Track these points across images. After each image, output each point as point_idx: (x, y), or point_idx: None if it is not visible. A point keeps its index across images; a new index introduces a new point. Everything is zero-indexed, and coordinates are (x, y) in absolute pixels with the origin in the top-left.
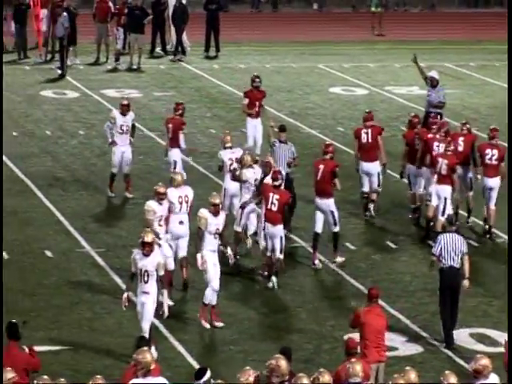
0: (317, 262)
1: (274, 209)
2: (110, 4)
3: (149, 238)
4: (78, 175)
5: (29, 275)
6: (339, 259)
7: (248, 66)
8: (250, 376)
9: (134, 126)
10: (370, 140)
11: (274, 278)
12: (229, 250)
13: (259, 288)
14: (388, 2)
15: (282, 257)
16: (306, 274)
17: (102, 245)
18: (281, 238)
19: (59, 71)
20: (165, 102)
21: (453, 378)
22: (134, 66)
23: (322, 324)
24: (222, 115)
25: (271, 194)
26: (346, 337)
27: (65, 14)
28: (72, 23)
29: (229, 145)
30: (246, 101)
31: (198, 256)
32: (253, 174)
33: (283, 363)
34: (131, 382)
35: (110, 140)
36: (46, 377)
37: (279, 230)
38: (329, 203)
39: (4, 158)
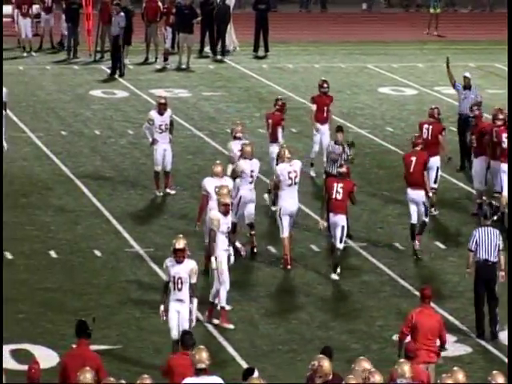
0: (417, 244)
1: (339, 197)
2: (160, 3)
3: (181, 244)
4: (126, 175)
5: (78, 275)
6: (417, 245)
7: (297, 65)
8: None
9: (172, 124)
10: (429, 137)
11: (337, 271)
12: (238, 244)
13: (307, 288)
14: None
15: (341, 246)
16: (354, 274)
17: (150, 244)
18: (342, 227)
19: (109, 71)
20: (213, 101)
21: (500, 378)
22: (183, 66)
23: (371, 324)
24: None
25: (335, 184)
26: (394, 337)
27: (122, 13)
28: (128, 22)
29: (239, 135)
30: (314, 107)
31: (213, 259)
32: (249, 165)
33: (326, 363)
34: (185, 380)
35: (151, 139)
36: (111, 379)
37: (341, 219)
38: (422, 194)
39: (53, 157)
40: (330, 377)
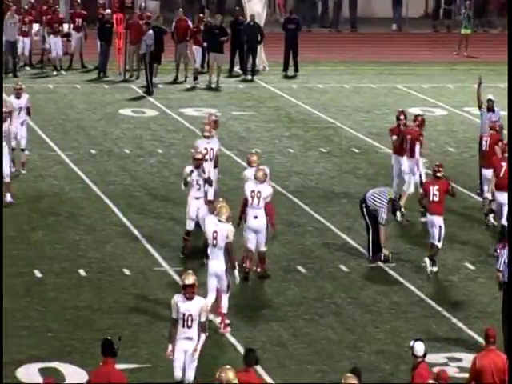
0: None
1: (436, 199)
2: (190, 23)
3: (190, 280)
4: (156, 193)
5: (107, 293)
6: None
7: (326, 85)
8: None
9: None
10: (487, 148)
11: (427, 260)
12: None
13: (336, 307)
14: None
15: (439, 245)
16: (384, 295)
17: (179, 263)
18: (440, 227)
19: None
20: (243, 121)
21: None
22: (213, 85)
23: (400, 345)
24: (300, 135)
25: (431, 187)
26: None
27: (150, 31)
28: (159, 41)
29: (254, 165)
30: (394, 137)
31: (236, 273)
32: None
33: (351, 380)
34: None
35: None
36: None
37: (438, 219)
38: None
39: (82, 175)
40: None
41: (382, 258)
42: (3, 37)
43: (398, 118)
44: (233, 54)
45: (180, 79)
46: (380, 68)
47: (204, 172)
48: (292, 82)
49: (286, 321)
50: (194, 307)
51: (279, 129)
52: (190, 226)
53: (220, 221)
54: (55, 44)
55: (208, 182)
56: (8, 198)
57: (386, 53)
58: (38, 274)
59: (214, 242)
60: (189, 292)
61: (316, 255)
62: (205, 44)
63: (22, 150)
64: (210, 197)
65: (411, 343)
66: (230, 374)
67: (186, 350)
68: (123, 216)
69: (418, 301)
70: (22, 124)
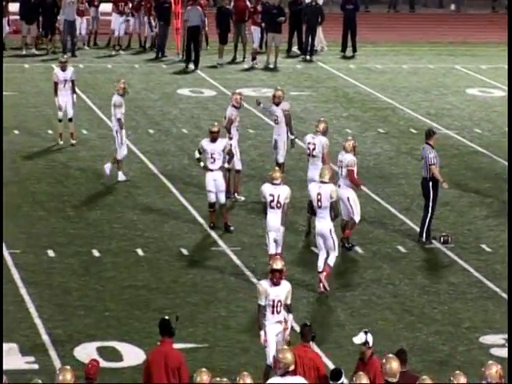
0: None
1: None
2: (248, 3)
3: (278, 265)
4: None
5: (164, 273)
6: None
7: (385, 66)
8: None
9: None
10: None
11: None
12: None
13: (393, 288)
14: None
15: None
16: (441, 276)
17: (237, 243)
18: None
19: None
20: (301, 101)
21: (463, 378)
22: (271, 66)
23: (458, 326)
24: (359, 115)
25: None
26: (481, 339)
27: (197, 7)
28: (225, 21)
29: (277, 182)
30: None
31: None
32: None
33: (394, 364)
34: (270, 380)
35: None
36: (225, 379)
37: None
38: None
39: (140, 155)
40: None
41: (442, 240)
42: (62, 16)
43: None
44: (291, 34)
45: (238, 59)
46: (438, 48)
47: (230, 144)
48: (350, 62)
49: (344, 301)
50: (282, 292)
51: (337, 109)
52: (211, 198)
53: (323, 182)
54: (119, 23)
55: (229, 154)
56: (120, 176)
57: (444, 33)
58: (95, 253)
59: (319, 203)
60: (276, 277)
61: (373, 236)
62: (263, 24)
63: (70, 119)
64: (238, 167)
65: (364, 336)
66: (289, 357)
67: (277, 334)
68: (181, 196)
69: (475, 282)
70: (68, 96)
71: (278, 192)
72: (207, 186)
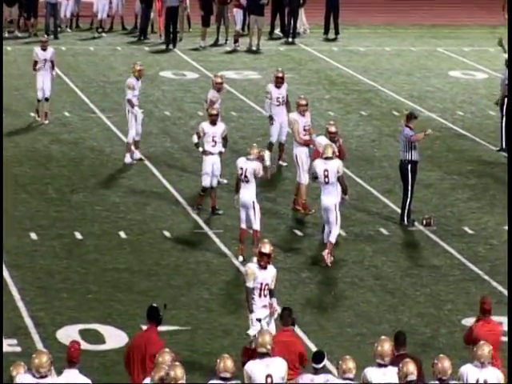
0: None
1: None
2: None
3: (267, 249)
4: (196, 156)
5: (147, 255)
6: None
7: (367, 48)
8: None
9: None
10: None
11: None
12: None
13: (376, 270)
14: None
15: None
16: (424, 258)
17: (220, 226)
18: None
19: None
20: None
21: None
22: (253, 48)
23: (440, 308)
24: (341, 98)
25: None
26: (463, 321)
27: None
28: (208, 4)
29: (251, 157)
30: None
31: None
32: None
33: (386, 346)
34: (249, 363)
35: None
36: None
37: None
38: None
39: (123, 137)
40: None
41: (424, 222)
42: None
43: None
44: (273, 16)
45: (221, 42)
46: (421, 31)
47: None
48: (332, 44)
49: (326, 284)
50: (269, 276)
51: (319, 91)
52: (206, 181)
53: (327, 158)
54: (103, 6)
55: (225, 139)
56: (127, 158)
57: (427, 16)
58: (78, 235)
59: (326, 179)
60: (264, 261)
61: (356, 218)
62: (245, 6)
63: (46, 99)
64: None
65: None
66: (267, 338)
67: (265, 317)
68: (163, 178)
69: (457, 264)
70: (47, 75)
71: (247, 166)
72: (204, 169)
